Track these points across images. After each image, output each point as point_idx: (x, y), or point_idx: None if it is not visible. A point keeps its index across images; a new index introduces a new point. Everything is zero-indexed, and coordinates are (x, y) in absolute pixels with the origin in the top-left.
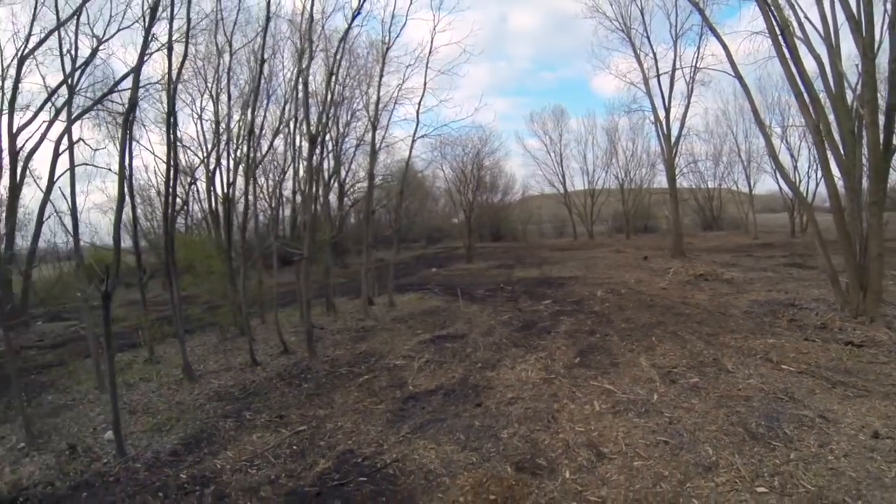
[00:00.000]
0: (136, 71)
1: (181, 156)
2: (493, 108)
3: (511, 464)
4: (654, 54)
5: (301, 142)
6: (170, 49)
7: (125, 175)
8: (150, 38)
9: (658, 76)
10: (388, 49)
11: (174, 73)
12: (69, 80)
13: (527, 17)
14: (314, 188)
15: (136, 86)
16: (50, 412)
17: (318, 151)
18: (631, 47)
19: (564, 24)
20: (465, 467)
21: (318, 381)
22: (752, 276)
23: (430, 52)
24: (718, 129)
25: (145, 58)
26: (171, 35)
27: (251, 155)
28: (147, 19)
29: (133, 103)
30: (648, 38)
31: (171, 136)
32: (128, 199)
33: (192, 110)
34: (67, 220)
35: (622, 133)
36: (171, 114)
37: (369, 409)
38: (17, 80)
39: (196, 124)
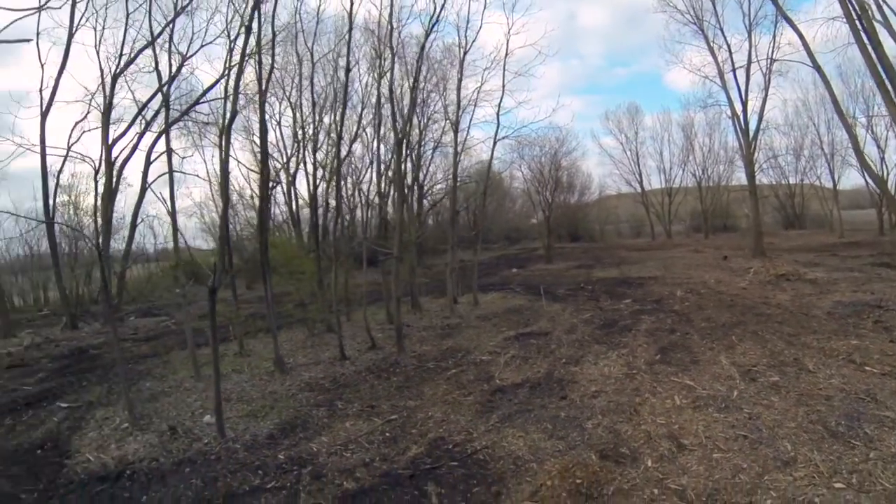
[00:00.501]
0: (235, 84)
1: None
2: (565, 106)
3: (595, 452)
4: (728, 46)
5: (379, 145)
6: (259, 62)
7: (226, 179)
8: (246, 54)
9: (734, 70)
10: (465, 53)
11: (263, 83)
12: (161, 94)
13: (596, 14)
14: (403, 190)
15: (235, 97)
16: (149, 398)
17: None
18: (704, 40)
19: (635, 18)
20: (551, 454)
21: (406, 374)
22: (837, 276)
23: (506, 54)
24: (799, 121)
25: (228, 71)
26: (259, 48)
27: (339, 159)
28: (234, 35)
29: (233, 114)
30: (721, 29)
31: (263, 144)
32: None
33: (271, 117)
34: (155, 224)
35: (698, 129)
36: (263, 122)
37: (458, 401)
38: (112, 96)
39: (275, 130)
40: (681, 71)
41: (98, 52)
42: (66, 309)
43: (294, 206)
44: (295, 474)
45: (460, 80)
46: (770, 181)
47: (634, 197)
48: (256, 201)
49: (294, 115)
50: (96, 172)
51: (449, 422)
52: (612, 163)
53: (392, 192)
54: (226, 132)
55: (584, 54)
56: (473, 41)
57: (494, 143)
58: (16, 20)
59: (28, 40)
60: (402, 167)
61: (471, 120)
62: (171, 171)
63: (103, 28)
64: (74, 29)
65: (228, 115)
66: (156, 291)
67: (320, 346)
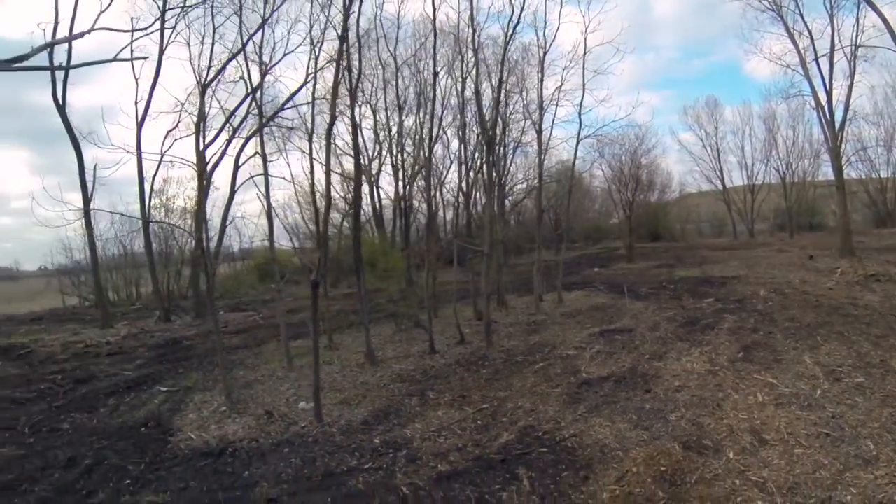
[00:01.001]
0: (334, 91)
1: (343, 163)
2: (644, 102)
3: (679, 443)
4: (810, 32)
5: (461, 145)
6: (348, 69)
7: (329, 181)
8: (340, 62)
9: (816, 59)
10: (545, 54)
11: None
12: (250, 102)
13: (670, 3)
14: (493, 189)
15: (333, 102)
16: (243, 385)
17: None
18: (783, 27)
19: (710, 7)
20: (636, 443)
21: (495, 367)
22: None
23: (584, 52)
24: (889, 109)
25: (315, 77)
26: (349, 55)
27: (430, 160)
28: (317, 43)
29: (332, 119)
30: (801, 15)
31: (356, 147)
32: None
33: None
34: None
35: (781, 121)
36: (355, 126)
37: (546, 392)
38: (202, 104)
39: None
40: (760, 60)
41: (192, 65)
42: (160, 303)
43: (378, 207)
44: (390, 457)
45: (542, 81)
46: (859, 175)
47: (715, 195)
48: (340, 202)
49: (375, 117)
50: (201, 177)
51: (538, 412)
52: (692, 159)
53: (474, 192)
54: (326, 135)
55: (659, 46)
56: (552, 41)
57: (577, 142)
58: (133, 42)
59: (145, 58)
60: (490, 167)
61: (553, 120)
62: (266, 175)
63: (190, 43)
64: (165, 45)
65: (327, 119)
66: (241, 288)
67: (408, 340)
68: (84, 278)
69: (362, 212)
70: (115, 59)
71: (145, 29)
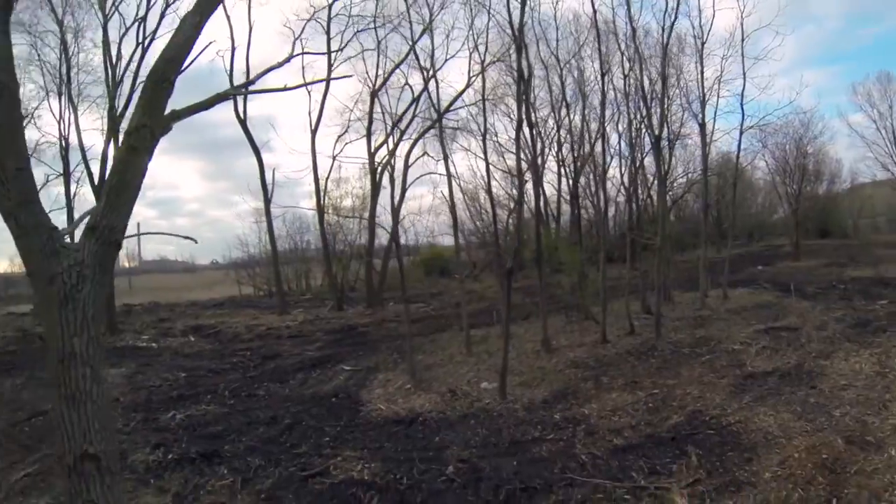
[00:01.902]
0: (525, 94)
1: (505, 160)
2: (805, 83)
3: (841, 436)
4: None
5: (620, 141)
6: (519, 72)
7: (521, 179)
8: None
9: None
10: (703, 45)
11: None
12: (416, 105)
13: None
14: (664, 183)
15: (525, 105)
16: (424, 368)
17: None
18: None
19: None
20: (799, 433)
21: (664, 357)
22: None
23: (742, 39)
24: None
25: (473, 79)
26: (526, 54)
27: (605, 157)
28: (480, 48)
29: (520, 121)
30: None
31: (533, 145)
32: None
33: (512, 119)
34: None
35: None
36: (532, 125)
37: (712, 382)
38: (371, 110)
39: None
40: None
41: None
42: (334, 293)
43: (542, 202)
44: (570, 430)
45: (701, 74)
46: None
47: (892, 184)
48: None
49: (536, 115)
50: (373, 176)
51: (705, 399)
52: (864, 144)
53: (638, 188)
54: (516, 137)
55: (820, 16)
56: (709, 31)
57: (741, 133)
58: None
59: (349, 76)
60: (659, 163)
61: (715, 112)
62: (448, 175)
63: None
64: (333, 63)
65: (514, 122)
66: (408, 282)
67: (580, 331)
68: (258, 270)
69: (527, 208)
70: (298, 87)
71: (340, 50)
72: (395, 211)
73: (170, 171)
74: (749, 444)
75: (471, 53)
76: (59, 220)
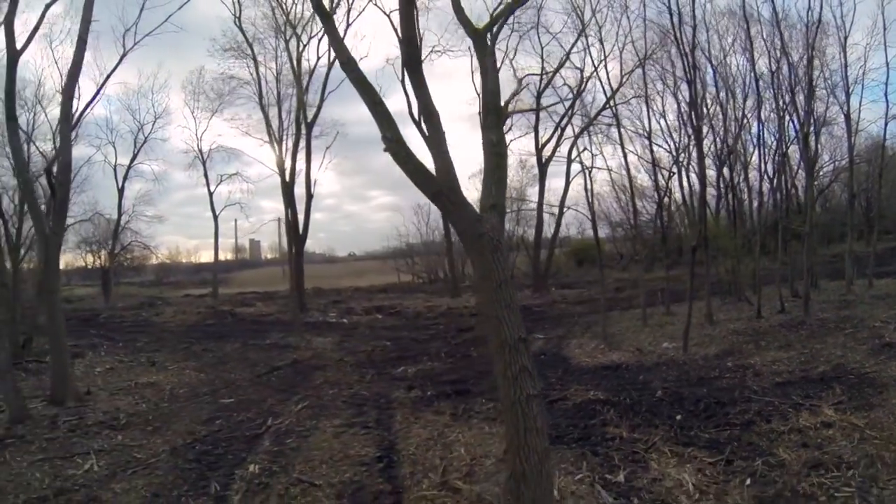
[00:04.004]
0: (698, 102)
1: (651, 153)
2: None
3: None
4: None
5: (759, 128)
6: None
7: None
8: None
9: None
10: (846, 38)
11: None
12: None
13: None
14: (812, 171)
15: (697, 113)
16: (608, 336)
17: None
18: None
19: None
20: None
21: (811, 329)
22: None
23: (884, 28)
24: None
25: (625, 79)
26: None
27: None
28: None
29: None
30: None
31: (698, 140)
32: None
33: (655, 110)
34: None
35: None
36: (699, 122)
37: (854, 347)
38: (538, 109)
39: (659, 122)
40: None
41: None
42: None
43: (688, 193)
44: (741, 373)
45: (845, 67)
46: None
47: None
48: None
49: (679, 107)
50: (541, 171)
51: (846, 357)
52: None
53: (783, 176)
54: (695, 138)
55: None
56: (851, 25)
57: (885, 123)
58: None
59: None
60: (808, 152)
61: (860, 101)
62: (609, 171)
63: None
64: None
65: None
66: (561, 271)
67: (736, 310)
68: (416, 259)
69: (673, 199)
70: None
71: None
72: (561, 203)
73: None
74: (881, 384)
75: (621, 52)
76: None
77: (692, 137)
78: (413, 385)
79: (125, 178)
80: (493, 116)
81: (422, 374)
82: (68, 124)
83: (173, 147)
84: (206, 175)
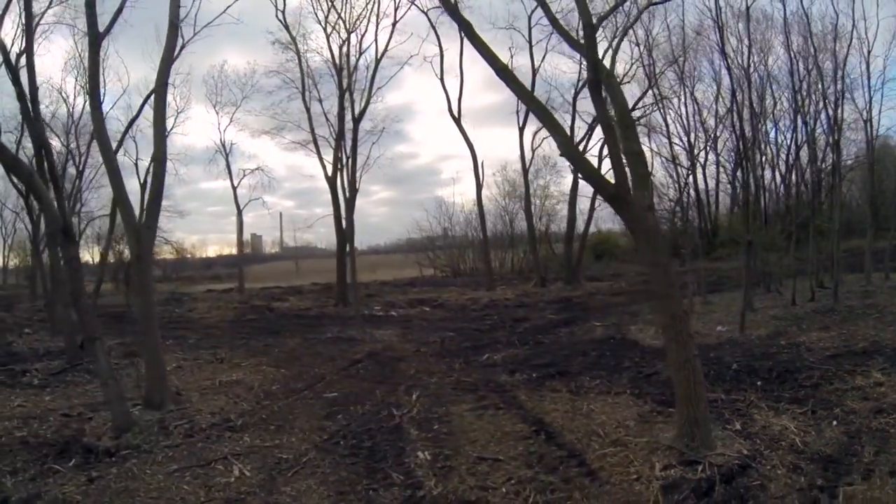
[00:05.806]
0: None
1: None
2: None
3: None
4: None
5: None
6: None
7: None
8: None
9: None
10: (869, 52)
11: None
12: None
13: None
14: (838, 173)
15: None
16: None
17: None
18: None
19: None
20: None
21: (842, 315)
22: None
23: None
24: None
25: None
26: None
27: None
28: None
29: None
30: None
31: (743, 140)
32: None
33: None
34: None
35: None
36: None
37: (883, 328)
38: (574, 109)
39: (675, 123)
40: None
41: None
42: (537, 272)
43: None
44: (794, 349)
45: (869, 79)
46: None
47: None
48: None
49: (697, 105)
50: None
51: (879, 336)
52: None
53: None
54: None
55: None
56: (874, 40)
57: None
58: None
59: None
60: (838, 150)
61: (882, 99)
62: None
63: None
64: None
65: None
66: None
67: (766, 299)
68: (438, 252)
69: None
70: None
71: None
72: (593, 200)
73: (307, 163)
74: None
75: (641, 54)
76: None
77: (738, 142)
78: (512, 370)
79: (147, 172)
80: (632, 130)
81: (509, 360)
82: (162, 115)
83: (173, 142)
84: (228, 169)
